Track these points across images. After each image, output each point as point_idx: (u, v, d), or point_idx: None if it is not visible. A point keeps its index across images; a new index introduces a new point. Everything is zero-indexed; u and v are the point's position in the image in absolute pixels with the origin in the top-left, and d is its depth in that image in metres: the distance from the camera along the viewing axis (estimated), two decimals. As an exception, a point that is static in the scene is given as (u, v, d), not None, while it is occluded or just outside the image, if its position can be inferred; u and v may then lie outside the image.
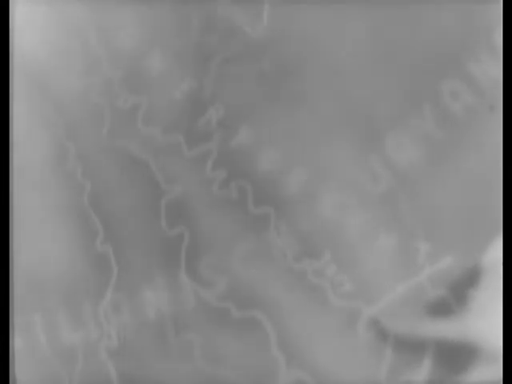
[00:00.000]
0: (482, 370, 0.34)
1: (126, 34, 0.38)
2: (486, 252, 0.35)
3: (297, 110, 0.36)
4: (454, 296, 0.34)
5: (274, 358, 0.36)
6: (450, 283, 0.35)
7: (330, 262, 0.36)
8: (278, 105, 0.37)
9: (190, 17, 0.37)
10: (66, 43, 0.38)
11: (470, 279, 0.34)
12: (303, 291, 0.36)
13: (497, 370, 0.34)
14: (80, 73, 0.38)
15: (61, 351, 0.37)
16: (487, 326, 0.34)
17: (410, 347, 0.34)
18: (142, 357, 0.37)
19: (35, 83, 0.38)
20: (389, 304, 0.35)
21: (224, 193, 0.37)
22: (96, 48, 0.38)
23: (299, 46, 0.37)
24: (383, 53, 0.36)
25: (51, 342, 0.37)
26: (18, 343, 0.38)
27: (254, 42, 0.37)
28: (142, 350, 0.37)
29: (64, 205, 0.38)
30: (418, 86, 0.36)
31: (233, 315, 0.36)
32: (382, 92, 0.36)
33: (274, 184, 0.36)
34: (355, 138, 0.36)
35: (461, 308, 0.34)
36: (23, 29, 0.38)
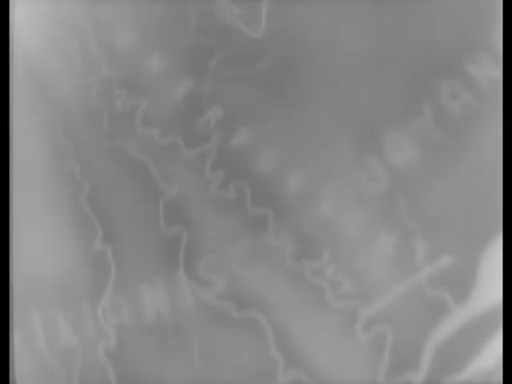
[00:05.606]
0: (482, 368, 0.34)
1: (124, 35, 0.38)
2: (486, 252, 0.34)
3: (296, 111, 0.36)
4: (454, 296, 0.34)
5: (272, 358, 0.36)
6: (450, 283, 0.34)
7: (328, 262, 0.35)
8: (276, 105, 0.37)
9: (188, 17, 0.37)
10: (64, 43, 0.38)
11: (469, 279, 0.34)
12: (302, 291, 0.36)
13: (496, 368, 0.34)
14: (79, 73, 0.38)
15: (59, 351, 0.37)
16: (486, 326, 0.34)
17: (409, 347, 0.34)
18: (140, 357, 0.37)
19: (35, 83, 0.38)
20: (388, 304, 0.35)
21: (222, 193, 0.37)
22: (95, 48, 0.38)
23: (298, 46, 0.37)
24: (382, 52, 0.36)
25: (50, 343, 0.38)
26: (17, 343, 0.38)
27: (252, 42, 0.37)
28: (140, 350, 0.37)
29: (62, 205, 0.38)
30: (416, 85, 0.35)
31: (232, 315, 0.36)
32: (381, 92, 0.36)
33: (272, 185, 0.36)
34: (354, 138, 0.36)
35: (460, 308, 0.34)
36: (23, 28, 0.38)
